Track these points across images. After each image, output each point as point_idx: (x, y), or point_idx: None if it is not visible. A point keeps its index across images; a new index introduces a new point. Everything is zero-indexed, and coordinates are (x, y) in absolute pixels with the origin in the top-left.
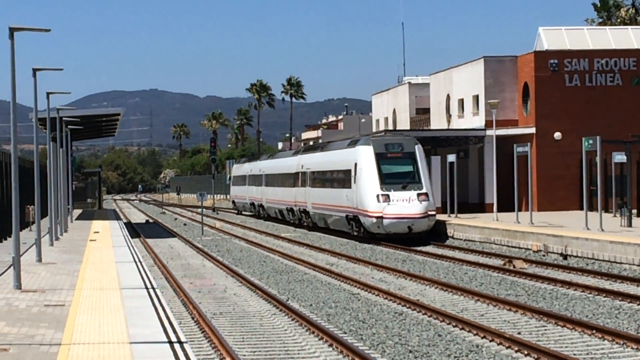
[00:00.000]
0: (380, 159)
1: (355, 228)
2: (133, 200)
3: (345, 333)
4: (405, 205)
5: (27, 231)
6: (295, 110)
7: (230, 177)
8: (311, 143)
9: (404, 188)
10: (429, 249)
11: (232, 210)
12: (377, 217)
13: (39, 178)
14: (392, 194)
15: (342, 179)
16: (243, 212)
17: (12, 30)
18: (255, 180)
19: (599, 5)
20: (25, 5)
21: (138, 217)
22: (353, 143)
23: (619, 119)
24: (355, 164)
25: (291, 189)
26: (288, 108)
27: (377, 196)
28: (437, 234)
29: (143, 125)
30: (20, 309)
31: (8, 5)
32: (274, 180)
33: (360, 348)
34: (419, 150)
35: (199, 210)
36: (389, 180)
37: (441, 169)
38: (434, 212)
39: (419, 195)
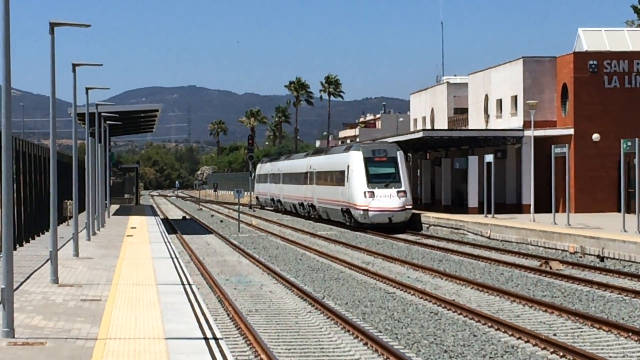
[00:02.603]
0: (367, 162)
1: (347, 219)
2: (170, 196)
3: (380, 332)
4: (387, 200)
5: (64, 226)
6: (333, 108)
7: (254, 176)
8: (348, 141)
9: (386, 186)
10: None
11: (258, 206)
12: (363, 210)
13: (77, 173)
14: (377, 191)
15: (339, 178)
16: (265, 207)
17: (52, 26)
18: (275, 178)
19: (638, 7)
20: (66, 1)
21: (175, 214)
22: (347, 149)
23: None
24: (348, 166)
25: (302, 186)
26: (326, 106)
27: (364, 192)
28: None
29: (181, 122)
30: (57, 303)
31: (49, 0)
32: (289, 178)
33: (396, 347)
34: (400, 156)
35: (236, 207)
36: (374, 180)
37: (478, 169)
38: (410, 206)
39: (398, 192)
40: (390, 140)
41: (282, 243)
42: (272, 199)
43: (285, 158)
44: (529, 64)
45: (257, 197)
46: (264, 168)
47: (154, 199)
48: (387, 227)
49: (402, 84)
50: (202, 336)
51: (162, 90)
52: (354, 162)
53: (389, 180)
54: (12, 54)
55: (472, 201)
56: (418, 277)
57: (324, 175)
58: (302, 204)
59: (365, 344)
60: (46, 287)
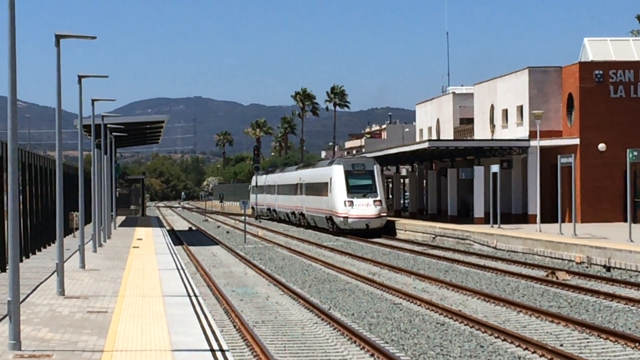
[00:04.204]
0: (347, 175)
1: (330, 225)
2: (176, 207)
3: (387, 343)
4: (364, 208)
5: (70, 237)
6: (339, 119)
7: (250, 188)
8: (354, 152)
9: (364, 196)
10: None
11: (264, 217)
12: (344, 217)
13: (83, 184)
14: (355, 201)
15: (323, 189)
16: (260, 216)
17: (58, 38)
18: (270, 189)
19: None
20: (70, 12)
21: (181, 225)
22: (330, 163)
23: None
24: (331, 178)
25: (293, 196)
26: (332, 117)
27: (344, 202)
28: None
29: (187, 133)
30: (63, 315)
31: (54, 12)
32: (282, 189)
33: (402, 358)
34: (376, 169)
35: (242, 218)
36: (353, 190)
37: (484, 179)
38: (385, 214)
39: (374, 201)
40: (395, 151)
41: (288, 254)
42: (269, 209)
43: (279, 171)
44: (535, 74)
45: (252, 207)
46: (260, 180)
47: (160, 210)
48: (364, 232)
49: (408, 94)
50: (208, 348)
51: (167, 102)
52: (336, 174)
53: (367, 191)
54: (17, 65)
55: (478, 211)
56: (424, 287)
57: (311, 186)
58: (293, 213)
59: (372, 355)
60: (52, 299)
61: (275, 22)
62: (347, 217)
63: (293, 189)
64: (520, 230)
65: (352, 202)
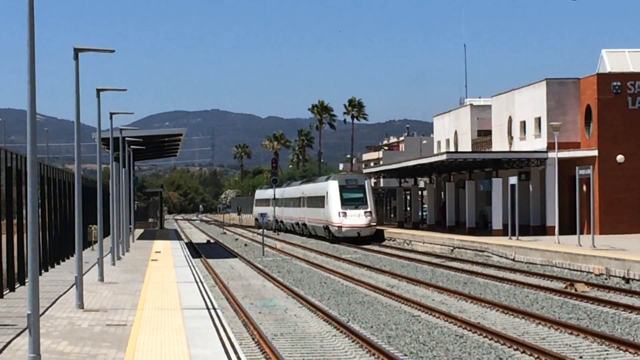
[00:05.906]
0: (341, 189)
1: (327, 234)
2: (194, 220)
3: (405, 355)
4: (356, 218)
5: (89, 250)
6: (357, 131)
7: (254, 201)
8: (372, 164)
9: (356, 208)
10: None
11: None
12: (338, 227)
13: (102, 198)
14: (348, 212)
15: (321, 202)
16: (261, 227)
17: (76, 51)
18: (277, 202)
19: None
20: (89, 26)
21: (199, 237)
22: (327, 178)
23: None
24: (327, 192)
25: (297, 209)
26: (349, 129)
27: (339, 213)
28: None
29: (205, 146)
30: (82, 328)
31: (72, 25)
32: (288, 202)
33: None
34: (367, 183)
35: (260, 230)
36: (346, 203)
37: (502, 191)
38: (375, 224)
39: (365, 212)
40: (413, 163)
41: (307, 266)
42: (276, 220)
43: (285, 185)
44: (553, 86)
45: (256, 219)
46: (265, 193)
47: (178, 223)
48: (357, 240)
49: (426, 106)
50: None
51: (185, 114)
52: (331, 189)
53: (358, 203)
54: (36, 79)
55: (497, 223)
56: (443, 299)
57: (311, 199)
58: (297, 224)
59: None
60: (72, 312)
61: (293, 35)
62: (341, 227)
63: (297, 202)
64: (539, 242)
65: (345, 213)
